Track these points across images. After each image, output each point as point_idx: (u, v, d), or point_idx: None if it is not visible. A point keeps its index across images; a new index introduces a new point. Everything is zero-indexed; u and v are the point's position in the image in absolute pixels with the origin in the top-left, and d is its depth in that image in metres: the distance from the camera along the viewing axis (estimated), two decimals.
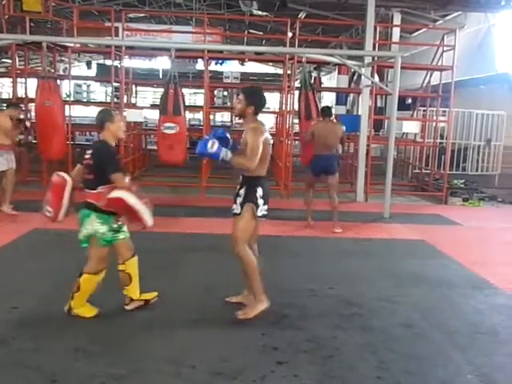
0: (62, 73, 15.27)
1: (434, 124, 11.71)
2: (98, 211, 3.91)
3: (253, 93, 4.20)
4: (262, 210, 4.11)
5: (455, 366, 3.55)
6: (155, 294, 4.39)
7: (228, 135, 4.20)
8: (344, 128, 7.64)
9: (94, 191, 3.91)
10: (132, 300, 4.25)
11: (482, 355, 3.74)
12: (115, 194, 3.82)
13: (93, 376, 3.21)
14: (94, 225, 3.93)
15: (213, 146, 3.88)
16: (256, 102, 4.12)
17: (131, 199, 3.81)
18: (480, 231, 7.98)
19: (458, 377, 3.42)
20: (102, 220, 3.93)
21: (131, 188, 3.91)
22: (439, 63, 11.15)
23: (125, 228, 4.16)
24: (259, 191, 4.08)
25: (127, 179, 4.09)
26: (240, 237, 4.09)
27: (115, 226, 4.01)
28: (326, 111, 7.76)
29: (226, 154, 3.92)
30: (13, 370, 3.27)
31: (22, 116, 10.22)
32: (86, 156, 4.02)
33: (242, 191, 4.13)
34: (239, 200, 4.13)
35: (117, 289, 4.46)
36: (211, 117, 16.98)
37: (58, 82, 10.40)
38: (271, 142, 4.18)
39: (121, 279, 4.19)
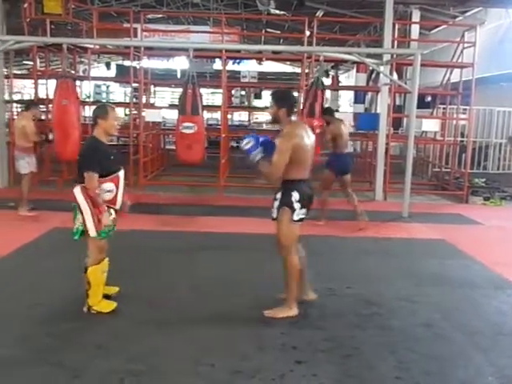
0: (81, 74, 15.43)
1: (454, 122, 11.58)
2: None
3: (281, 95, 4.24)
4: (299, 214, 4.07)
5: (476, 368, 3.50)
6: (116, 289, 4.44)
7: (265, 140, 4.13)
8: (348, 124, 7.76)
9: (83, 185, 3.99)
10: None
11: (505, 357, 3.68)
12: (75, 190, 3.97)
13: (113, 372, 3.25)
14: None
15: (247, 144, 4.02)
16: (286, 103, 4.11)
17: (82, 202, 3.94)
18: (502, 231, 7.87)
19: (479, 378, 3.37)
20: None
21: (94, 192, 3.94)
22: (459, 60, 11.02)
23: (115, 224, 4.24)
24: (295, 195, 4.04)
25: (121, 173, 4.14)
26: (284, 242, 4.10)
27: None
28: (331, 111, 7.86)
29: (255, 155, 3.99)
30: (36, 366, 3.32)
31: (43, 116, 10.39)
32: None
33: (278, 195, 4.14)
34: (276, 204, 4.14)
35: (136, 287, 4.51)
36: (229, 116, 17.00)
37: (78, 82, 10.51)
38: (310, 142, 4.08)
39: None
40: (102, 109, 4.18)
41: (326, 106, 8.91)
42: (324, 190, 7.61)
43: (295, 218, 4.06)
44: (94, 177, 3.94)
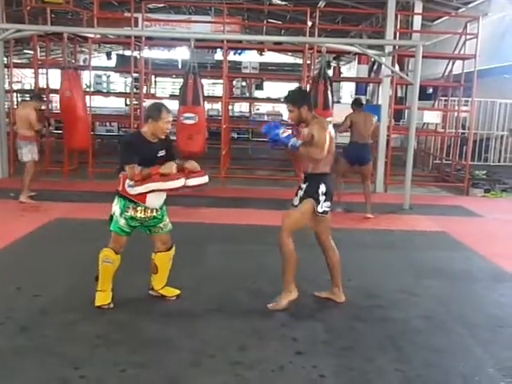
0: (82, 63, 15.37)
1: (456, 114, 11.55)
2: (119, 195, 3.99)
3: (296, 95, 4.23)
4: (324, 206, 4.11)
5: (476, 360, 3.51)
6: (177, 291, 4.37)
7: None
8: (376, 118, 7.81)
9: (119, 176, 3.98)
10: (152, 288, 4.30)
11: (504, 349, 3.69)
12: (134, 190, 3.90)
13: (114, 364, 3.25)
14: (114, 206, 4.01)
15: (284, 132, 4.06)
16: (304, 100, 4.13)
17: (146, 189, 3.87)
18: (502, 223, 7.86)
19: (480, 370, 3.38)
20: (119, 203, 3.98)
21: (138, 176, 3.82)
22: (462, 52, 10.96)
23: (162, 223, 4.16)
24: (322, 188, 4.08)
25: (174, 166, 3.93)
26: (288, 225, 4.13)
27: (130, 213, 3.95)
28: (358, 103, 7.87)
29: (295, 142, 4.02)
30: (36, 357, 3.32)
31: (43, 107, 10.36)
32: None
33: (304, 185, 4.17)
34: (300, 193, 4.16)
35: (138, 279, 4.51)
36: (230, 107, 16.94)
37: (79, 72, 10.47)
38: (333, 136, 4.16)
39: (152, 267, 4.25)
40: (155, 109, 3.96)
41: (355, 97, 9.04)
42: (337, 180, 7.61)
43: (319, 210, 4.09)
44: (132, 167, 3.80)
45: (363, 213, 7.58)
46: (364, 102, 8.15)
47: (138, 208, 3.97)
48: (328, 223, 4.34)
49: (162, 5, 19.15)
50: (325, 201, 4.10)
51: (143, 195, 3.92)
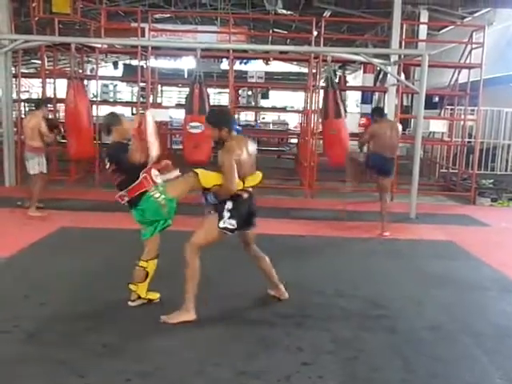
0: (89, 73, 15.47)
1: (462, 123, 11.52)
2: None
3: (219, 117, 4.20)
4: (226, 222, 4.06)
5: (483, 370, 3.48)
6: (158, 295, 4.42)
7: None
8: (401, 127, 7.60)
9: (130, 187, 4.15)
10: (139, 297, 4.32)
11: (511, 359, 3.66)
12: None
13: (119, 372, 3.25)
14: (155, 196, 4.27)
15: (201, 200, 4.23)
16: (225, 123, 4.07)
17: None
18: (509, 232, 7.81)
19: (487, 381, 3.36)
20: (156, 192, 4.29)
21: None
22: (467, 61, 10.96)
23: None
24: (228, 204, 4.06)
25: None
26: (196, 242, 4.11)
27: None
28: (379, 112, 7.64)
29: (211, 198, 4.11)
30: (42, 364, 3.33)
31: (50, 116, 10.42)
32: (107, 165, 4.25)
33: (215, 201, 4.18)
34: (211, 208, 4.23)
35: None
36: (236, 116, 16.98)
37: (86, 82, 10.55)
38: (249, 155, 4.15)
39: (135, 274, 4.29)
40: (114, 117, 4.39)
41: (377, 106, 8.86)
42: (353, 181, 7.54)
43: (221, 225, 4.06)
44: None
45: (372, 221, 7.51)
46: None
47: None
48: (252, 234, 4.39)
49: (168, 15, 19.30)
50: (229, 218, 4.06)
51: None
